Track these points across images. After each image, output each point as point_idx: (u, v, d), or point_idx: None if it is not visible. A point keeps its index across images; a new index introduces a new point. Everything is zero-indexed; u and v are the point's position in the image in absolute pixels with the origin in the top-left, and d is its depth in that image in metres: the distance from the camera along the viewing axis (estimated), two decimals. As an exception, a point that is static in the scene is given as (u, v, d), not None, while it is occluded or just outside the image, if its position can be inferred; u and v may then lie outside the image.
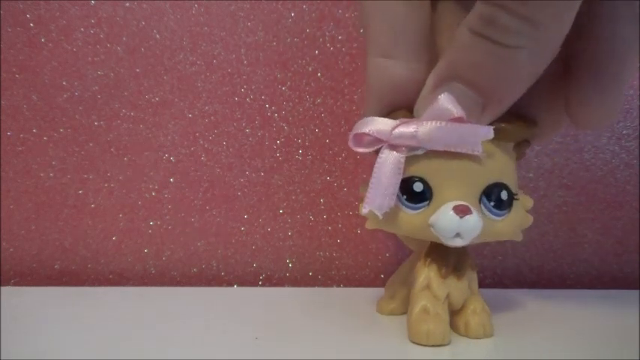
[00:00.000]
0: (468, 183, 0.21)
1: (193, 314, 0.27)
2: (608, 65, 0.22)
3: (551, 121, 0.23)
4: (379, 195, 0.21)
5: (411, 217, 0.21)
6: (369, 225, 0.23)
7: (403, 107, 0.22)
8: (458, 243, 0.21)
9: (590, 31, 0.21)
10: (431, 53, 0.22)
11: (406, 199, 0.21)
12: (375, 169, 0.21)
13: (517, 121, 0.22)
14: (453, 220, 0.20)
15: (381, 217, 0.21)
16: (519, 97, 0.20)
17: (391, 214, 0.21)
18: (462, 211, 0.20)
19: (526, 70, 0.19)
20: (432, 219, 0.21)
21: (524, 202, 0.23)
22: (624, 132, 0.36)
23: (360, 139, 0.22)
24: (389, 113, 0.22)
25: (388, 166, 0.21)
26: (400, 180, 0.21)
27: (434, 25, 0.22)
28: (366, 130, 0.21)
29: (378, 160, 0.21)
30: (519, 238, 0.23)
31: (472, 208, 0.20)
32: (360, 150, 0.22)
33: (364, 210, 0.21)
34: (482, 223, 0.20)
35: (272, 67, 0.35)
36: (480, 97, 0.20)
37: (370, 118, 0.21)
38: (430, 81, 0.21)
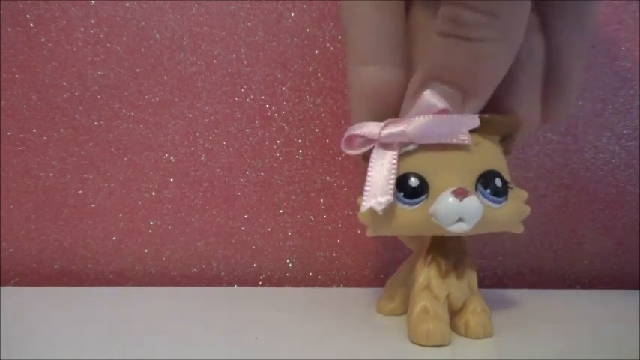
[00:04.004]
0: (462, 172, 0.21)
1: (193, 314, 0.27)
2: (555, 71, 0.23)
3: (532, 116, 0.24)
4: (377, 193, 0.21)
5: (410, 213, 0.21)
6: (369, 233, 0.23)
7: (389, 114, 0.22)
8: (461, 228, 0.20)
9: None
10: (407, 56, 0.23)
11: (403, 196, 0.21)
12: (369, 170, 0.22)
13: (500, 116, 0.22)
14: (453, 205, 0.20)
15: (380, 212, 0.21)
16: (509, 94, 0.22)
17: (390, 215, 0.21)
18: (460, 194, 0.20)
19: (496, 60, 0.20)
20: (432, 208, 0.21)
21: (519, 193, 0.23)
22: (624, 132, 0.36)
23: (351, 141, 0.23)
24: (375, 118, 0.22)
25: (382, 164, 0.21)
26: (395, 176, 0.21)
27: (409, 28, 0.23)
28: (358, 132, 0.22)
29: (372, 159, 0.22)
30: (520, 229, 0.23)
31: (470, 192, 0.20)
32: (351, 152, 0.23)
33: (362, 209, 0.21)
34: (482, 207, 0.20)
35: (272, 67, 0.35)
36: (458, 92, 0.21)
37: (360, 124, 0.22)
38: (412, 85, 0.22)
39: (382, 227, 0.22)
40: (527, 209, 0.23)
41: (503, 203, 0.21)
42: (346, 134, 0.23)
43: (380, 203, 0.21)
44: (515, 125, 0.23)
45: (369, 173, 0.22)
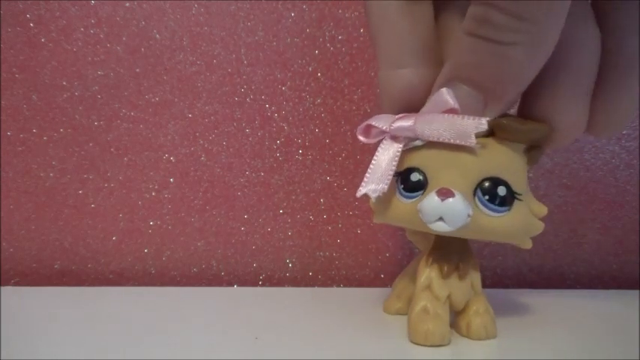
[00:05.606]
0: (462, 174, 0.21)
1: (193, 314, 0.27)
2: (613, 76, 0.22)
3: (570, 125, 0.22)
4: (375, 180, 0.22)
5: (404, 205, 0.22)
6: (375, 219, 0.24)
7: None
8: (442, 228, 0.20)
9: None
10: (438, 56, 0.22)
11: (403, 189, 0.22)
12: (374, 157, 0.22)
13: (519, 122, 0.21)
14: (436, 203, 0.20)
15: (373, 199, 0.22)
16: (538, 99, 0.21)
17: (387, 205, 0.22)
18: (443, 193, 0.20)
19: (523, 66, 0.19)
20: (420, 203, 0.21)
21: (535, 207, 0.22)
22: (624, 132, 0.36)
23: (368, 130, 0.23)
24: None
25: (387, 154, 0.22)
26: (395, 168, 0.22)
27: (440, 27, 0.23)
28: (374, 122, 0.22)
29: (379, 148, 0.22)
30: (528, 245, 0.22)
31: (456, 193, 0.20)
32: (364, 140, 0.23)
33: (358, 194, 0.22)
34: (469, 211, 0.20)
35: (272, 67, 0.35)
36: (480, 94, 0.20)
37: (378, 115, 0.23)
38: (436, 85, 0.21)
39: (380, 215, 0.23)
40: (539, 225, 0.22)
41: (505, 213, 0.21)
42: (363, 123, 0.23)
43: (374, 190, 0.22)
44: (541, 134, 0.21)
45: (372, 161, 0.22)
